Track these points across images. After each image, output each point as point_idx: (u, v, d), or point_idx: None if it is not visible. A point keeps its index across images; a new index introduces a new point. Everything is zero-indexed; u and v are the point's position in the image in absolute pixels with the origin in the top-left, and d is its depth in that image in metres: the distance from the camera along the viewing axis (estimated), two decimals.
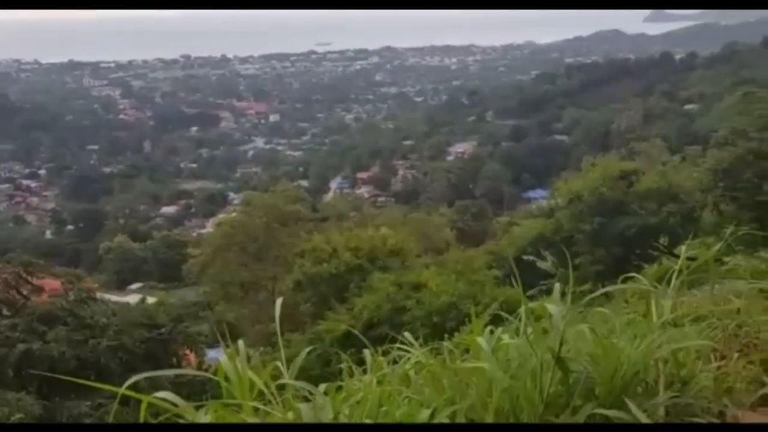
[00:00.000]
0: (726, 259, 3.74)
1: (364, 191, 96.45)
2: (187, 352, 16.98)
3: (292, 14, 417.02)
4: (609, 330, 2.31)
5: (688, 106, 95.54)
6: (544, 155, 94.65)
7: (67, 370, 12.88)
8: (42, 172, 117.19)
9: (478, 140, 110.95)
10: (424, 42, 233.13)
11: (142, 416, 1.85)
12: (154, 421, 1.87)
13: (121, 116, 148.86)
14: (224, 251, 35.39)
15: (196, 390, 11.32)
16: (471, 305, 6.27)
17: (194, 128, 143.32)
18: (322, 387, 2.03)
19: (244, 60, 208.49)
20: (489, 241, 40.24)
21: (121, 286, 56.19)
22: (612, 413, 1.92)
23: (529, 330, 2.12)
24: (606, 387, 2.01)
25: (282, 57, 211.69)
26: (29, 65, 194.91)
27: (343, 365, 2.59)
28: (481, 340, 2.13)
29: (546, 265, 6.12)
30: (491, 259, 24.43)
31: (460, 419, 1.98)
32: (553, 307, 2.08)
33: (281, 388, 1.98)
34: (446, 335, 3.39)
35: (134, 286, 57.14)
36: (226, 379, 1.95)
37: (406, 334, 2.51)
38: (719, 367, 2.36)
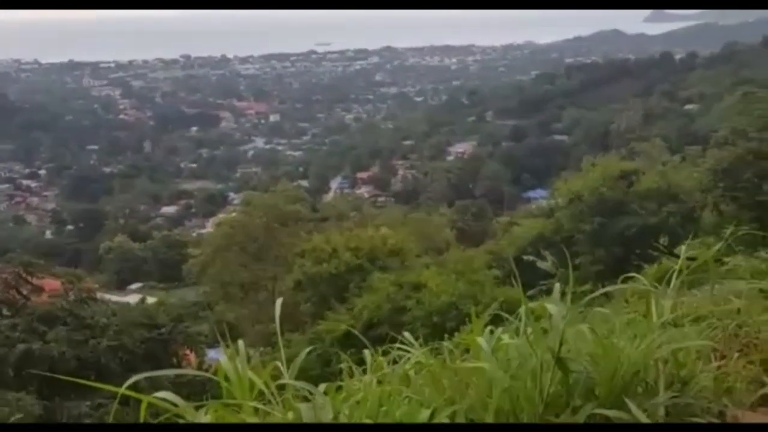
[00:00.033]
0: (726, 259, 3.74)
1: (364, 191, 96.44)
2: (188, 352, 17.00)
3: (292, 14, 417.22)
4: (609, 330, 2.31)
5: (688, 106, 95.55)
6: (544, 155, 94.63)
7: (67, 370, 12.89)
8: (42, 172, 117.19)
9: (478, 140, 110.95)
10: (424, 42, 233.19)
11: (142, 416, 1.85)
12: (154, 422, 1.87)
13: (121, 116, 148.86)
14: (224, 251, 35.39)
15: (196, 390, 11.32)
16: (471, 305, 6.27)
17: (194, 128, 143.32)
18: (322, 387, 2.03)
19: (244, 60, 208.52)
20: (489, 241, 40.22)
21: (121, 286, 56.20)
22: (612, 413, 1.92)
23: (529, 330, 2.12)
24: (606, 387, 2.01)
25: (282, 57, 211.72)
26: (29, 65, 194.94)
27: (343, 365, 2.60)
28: (481, 340, 2.13)
29: (546, 265, 6.12)
30: (491, 259, 24.43)
31: (460, 419, 1.98)
32: (553, 307, 2.08)
33: (281, 388, 1.98)
34: (446, 335, 3.38)
35: (134, 286, 57.14)
36: (226, 379, 1.95)
37: (406, 334, 2.51)
38: (719, 367, 2.36)
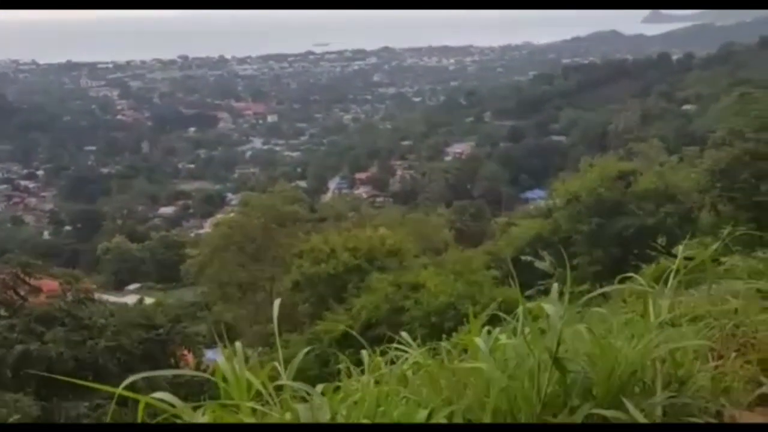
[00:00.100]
0: (723, 259, 3.74)
1: (362, 191, 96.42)
2: (185, 352, 16.98)
3: (290, 15, 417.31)
4: (606, 330, 2.31)
5: (685, 107, 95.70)
6: (541, 156, 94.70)
7: (65, 371, 12.87)
8: (40, 172, 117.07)
9: (476, 141, 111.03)
10: (422, 42, 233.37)
11: (140, 417, 1.84)
12: (151, 422, 1.87)
13: (119, 117, 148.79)
14: (222, 252, 35.38)
15: (194, 390, 11.32)
16: (469, 305, 6.27)
17: (192, 129, 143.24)
18: (320, 387, 2.03)
19: (242, 60, 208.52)
20: (487, 242, 40.24)
21: (119, 286, 56.12)
22: (609, 413, 1.92)
23: (527, 330, 2.13)
24: (603, 387, 2.01)
25: (280, 57, 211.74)
26: (27, 66, 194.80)
27: (341, 366, 2.59)
28: (479, 341, 2.13)
29: (544, 265, 6.13)
30: (489, 259, 24.42)
31: (458, 419, 1.98)
32: (550, 307, 2.08)
33: (279, 388, 1.98)
34: (444, 335, 3.38)
35: (132, 286, 57.07)
36: (224, 379, 1.95)
37: (404, 334, 2.51)
38: (716, 367, 2.36)
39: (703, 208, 23.37)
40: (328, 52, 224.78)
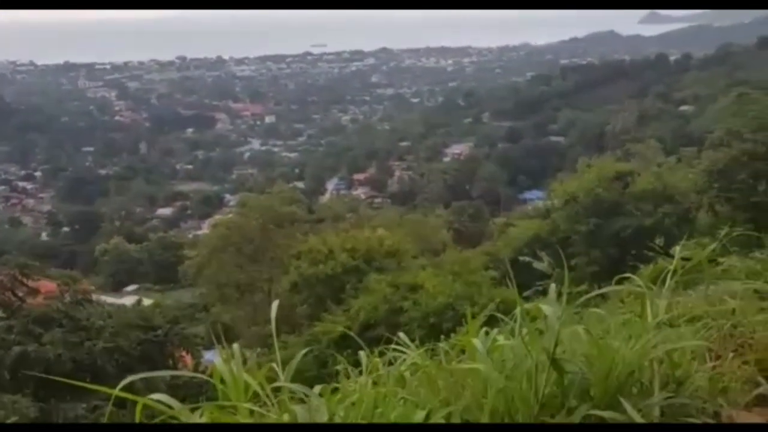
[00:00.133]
0: (721, 259, 3.74)
1: (360, 192, 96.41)
2: (184, 353, 16.95)
3: (288, 16, 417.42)
4: (604, 330, 2.31)
5: (683, 108, 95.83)
6: (539, 156, 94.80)
7: (62, 373, 12.84)
8: (38, 173, 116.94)
9: (474, 141, 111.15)
10: (421, 43, 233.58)
11: (138, 418, 1.84)
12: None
13: (117, 118, 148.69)
14: (220, 253, 35.34)
15: (193, 392, 11.33)
16: (467, 306, 6.28)
17: (190, 130, 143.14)
18: (318, 388, 2.03)
19: (239, 61, 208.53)
20: (485, 242, 40.28)
21: (117, 287, 56.06)
22: (607, 414, 1.92)
23: (525, 331, 2.13)
24: (601, 387, 2.02)
25: (278, 58, 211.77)
26: (25, 66, 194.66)
27: (339, 367, 2.59)
28: (477, 342, 2.13)
29: (542, 265, 6.14)
30: (488, 260, 24.44)
31: (456, 420, 1.98)
32: (548, 308, 2.08)
33: (277, 390, 1.98)
34: (443, 336, 3.38)
35: (130, 287, 57.01)
36: (222, 381, 1.95)
37: (401, 335, 2.51)
38: (714, 368, 2.36)
39: (701, 209, 23.41)
40: (326, 53, 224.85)
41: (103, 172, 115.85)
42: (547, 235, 27.41)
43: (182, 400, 1.87)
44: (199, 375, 2.81)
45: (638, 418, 1.90)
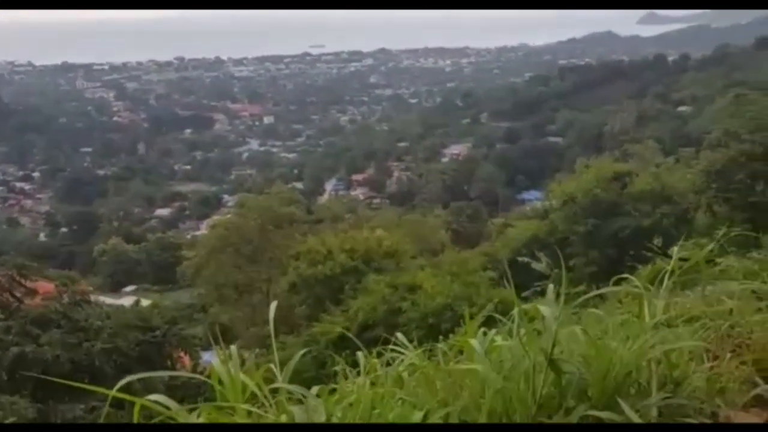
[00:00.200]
0: (719, 260, 3.75)
1: (359, 193, 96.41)
2: (182, 354, 16.94)
3: (286, 16, 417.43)
4: (602, 331, 2.31)
5: (681, 108, 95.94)
6: (538, 157, 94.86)
7: (61, 373, 12.83)
8: (36, 174, 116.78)
9: (472, 142, 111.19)
10: (419, 44, 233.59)
11: (135, 419, 1.84)
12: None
13: (115, 118, 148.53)
14: (219, 253, 35.31)
15: (191, 393, 11.31)
16: (466, 307, 6.28)
17: (188, 130, 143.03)
18: (315, 389, 2.03)
19: (238, 62, 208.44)
20: (484, 243, 40.28)
21: (115, 288, 55.99)
22: (605, 414, 1.92)
23: (522, 331, 2.13)
24: (599, 388, 2.02)
25: (276, 59, 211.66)
26: (23, 67, 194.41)
27: (337, 367, 2.59)
28: (474, 342, 2.13)
29: (540, 266, 6.15)
30: (486, 260, 24.48)
31: (453, 421, 1.98)
32: (545, 308, 2.08)
33: (275, 391, 1.98)
34: (441, 337, 3.39)
35: (128, 288, 56.94)
36: (220, 382, 1.95)
37: (400, 335, 2.51)
38: (712, 368, 2.36)
39: (699, 209, 23.44)
40: (324, 54, 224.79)
41: (101, 172, 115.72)
42: (546, 235, 27.43)
43: (180, 401, 1.87)
44: (197, 376, 2.81)
45: (636, 419, 1.90)
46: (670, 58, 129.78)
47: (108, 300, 27.92)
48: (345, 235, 25.76)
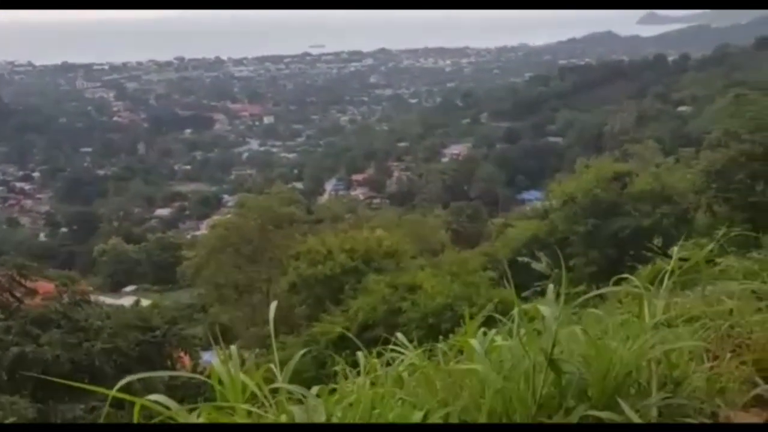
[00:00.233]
0: (718, 260, 3.75)
1: (359, 193, 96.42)
2: (182, 354, 16.94)
3: (286, 16, 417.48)
4: (602, 331, 2.31)
5: (681, 108, 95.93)
6: (538, 157, 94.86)
7: (60, 373, 12.83)
8: (36, 174, 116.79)
9: (472, 142, 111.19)
10: (419, 44, 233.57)
11: (135, 419, 1.84)
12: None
13: (115, 118, 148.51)
14: (219, 253, 35.30)
15: (191, 393, 11.31)
16: (466, 307, 6.28)
17: (188, 130, 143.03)
18: (315, 389, 2.03)
19: (238, 62, 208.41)
20: (484, 243, 40.28)
21: (115, 288, 55.99)
22: (605, 414, 1.92)
23: (522, 331, 2.13)
24: (599, 388, 2.02)
25: (276, 59, 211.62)
26: (23, 67, 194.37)
27: (337, 367, 2.60)
28: (474, 342, 2.13)
29: (540, 266, 6.15)
30: (486, 260, 24.48)
31: (453, 421, 1.98)
32: (545, 308, 2.08)
33: (275, 391, 1.98)
34: (441, 337, 3.39)
35: (128, 288, 56.95)
36: (220, 382, 1.95)
37: (399, 335, 2.51)
38: (712, 368, 2.36)
39: (699, 209, 23.44)
40: (324, 54, 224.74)
41: (101, 172, 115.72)
42: (546, 235, 27.43)
43: (180, 401, 1.87)
44: (197, 376, 2.81)
45: (636, 419, 1.90)
46: (670, 58, 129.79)
47: (108, 300, 27.92)
48: (345, 235, 25.75)
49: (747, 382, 2.33)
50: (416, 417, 1.96)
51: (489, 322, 2.45)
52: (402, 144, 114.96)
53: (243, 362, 2.04)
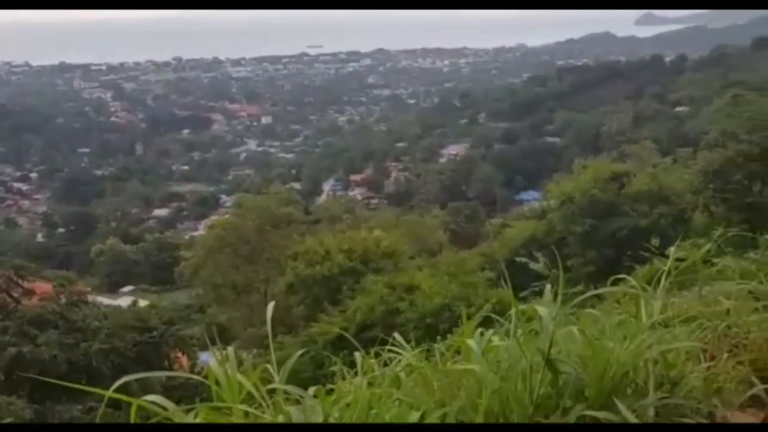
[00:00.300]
0: (715, 260, 3.75)
1: (357, 193, 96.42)
2: (179, 354, 16.93)
3: (284, 16, 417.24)
4: (599, 331, 2.31)
5: (678, 109, 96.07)
6: (535, 157, 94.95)
7: (58, 374, 12.82)
8: (33, 174, 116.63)
9: (470, 142, 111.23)
10: (417, 44, 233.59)
11: (132, 420, 1.84)
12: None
13: (113, 119, 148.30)
14: (216, 254, 35.25)
15: (188, 393, 11.31)
16: (464, 307, 6.28)
17: (186, 131, 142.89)
18: (312, 390, 2.03)
19: (236, 62, 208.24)
20: (482, 243, 40.31)
21: (112, 289, 55.90)
22: (602, 414, 1.92)
23: (519, 332, 2.13)
24: (595, 388, 2.02)
25: (274, 59, 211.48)
26: (20, 67, 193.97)
27: (335, 368, 2.60)
28: (472, 342, 2.13)
29: (538, 266, 6.14)
30: (484, 260, 24.46)
31: (450, 421, 1.98)
32: (543, 308, 2.08)
33: (272, 391, 1.98)
34: (439, 337, 3.39)
35: (126, 288, 56.86)
36: (217, 382, 1.95)
37: (397, 335, 2.51)
38: (709, 368, 2.37)
39: (696, 210, 23.47)
40: (322, 54, 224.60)
41: (98, 173, 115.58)
42: (543, 235, 27.46)
43: (177, 402, 1.87)
44: (194, 376, 2.81)
45: (633, 419, 1.90)
46: (668, 59, 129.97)
47: (105, 300, 27.90)
48: (343, 236, 25.74)
49: (744, 382, 2.34)
50: (413, 417, 1.96)
51: (486, 323, 2.45)
52: (400, 144, 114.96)
53: (240, 363, 2.04)
